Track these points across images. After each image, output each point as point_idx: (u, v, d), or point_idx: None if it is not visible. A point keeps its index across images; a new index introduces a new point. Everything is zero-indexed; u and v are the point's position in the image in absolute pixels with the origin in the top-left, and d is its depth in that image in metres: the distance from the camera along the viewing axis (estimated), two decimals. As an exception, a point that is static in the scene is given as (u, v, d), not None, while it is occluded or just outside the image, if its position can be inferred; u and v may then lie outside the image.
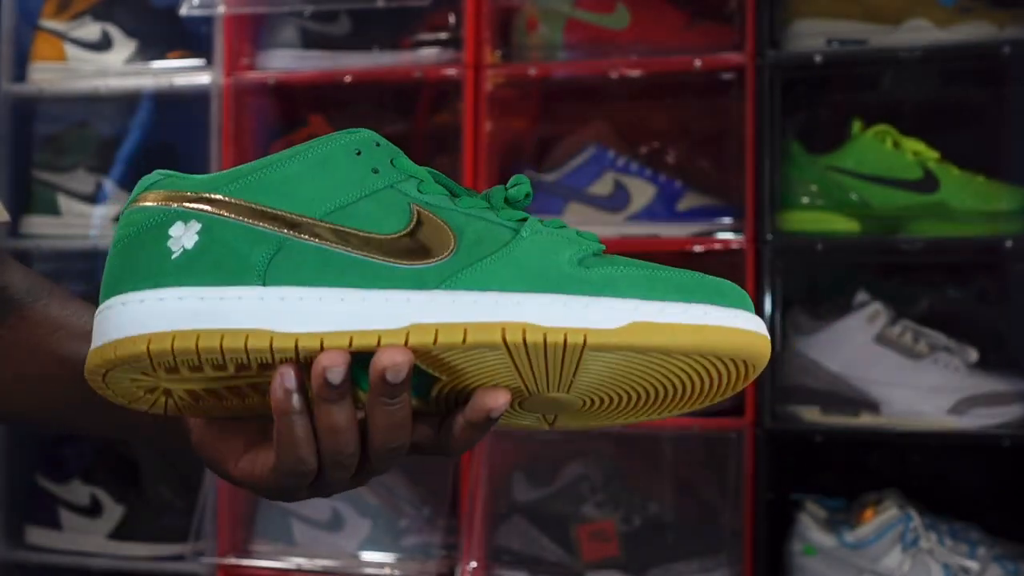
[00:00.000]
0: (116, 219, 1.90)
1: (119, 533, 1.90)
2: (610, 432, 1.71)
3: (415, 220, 0.62)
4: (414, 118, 1.96)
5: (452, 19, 1.79)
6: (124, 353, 0.59)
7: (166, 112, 2.00)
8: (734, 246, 1.65)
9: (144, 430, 0.70)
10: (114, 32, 1.95)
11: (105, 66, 1.93)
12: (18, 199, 1.98)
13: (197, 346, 0.59)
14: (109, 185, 1.96)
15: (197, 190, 0.63)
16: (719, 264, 1.74)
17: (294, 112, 1.95)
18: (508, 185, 0.65)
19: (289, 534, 1.81)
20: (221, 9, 1.83)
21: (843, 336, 1.64)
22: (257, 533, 1.82)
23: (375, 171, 0.63)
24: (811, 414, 1.63)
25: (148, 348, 0.59)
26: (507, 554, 1.72)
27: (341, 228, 0.61)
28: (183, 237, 0.61)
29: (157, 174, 0.65)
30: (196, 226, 0.61)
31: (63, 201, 1.97)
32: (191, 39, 1.93)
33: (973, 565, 1.54)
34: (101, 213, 1.95)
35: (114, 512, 1.91)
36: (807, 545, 1.59)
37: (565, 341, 0.57)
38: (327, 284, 0.60)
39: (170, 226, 0.62)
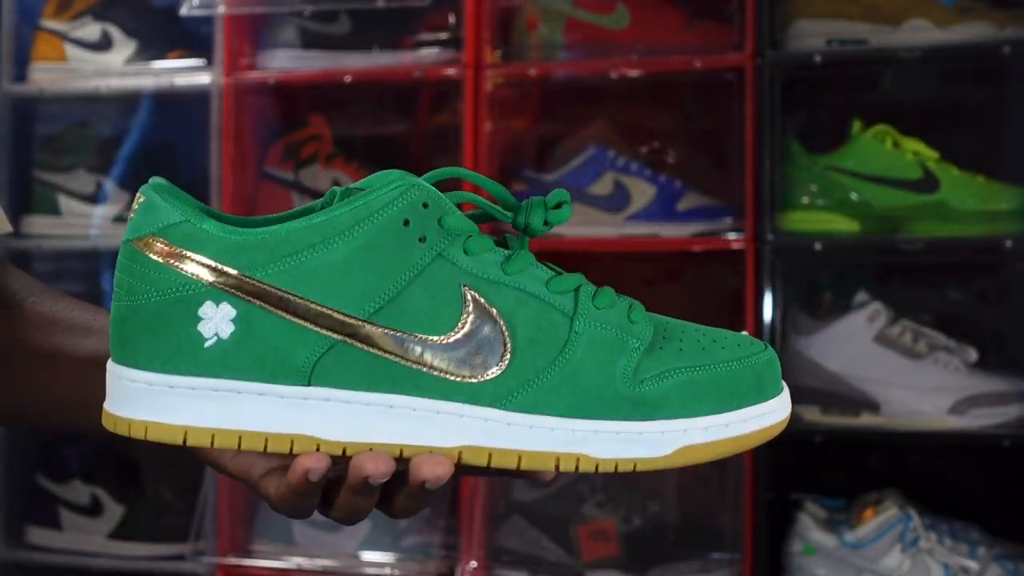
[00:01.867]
0: (117, 219, 1.91)
1: (119, 533, 1.90)
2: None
3: (467, 313, 0.59)
4: (414, 118, 1.96)
5: (452, 19, 1.79)
6: (158, 437, 0.58)
7: (166, 112, 2.00)
8: (734, 246, 1.65)
9: None
10: (114, 32, 1.95)
11: (105, 66, 1.93)
12: (18, 199, 1.98)
13: (239, 445, 0.58)
14: (109, 185, 1.96)
15: (227, 263, 0.58)
16: (719, 264, 1.74)
17: (294, 112, 1.95)
18: (550, 203, 0.62)
19: (289, 534, 1.81)
20: (221, 9, 1.83)
21: (843, 336, 1.64)
22: (257, 533, 1.82)
23: (422, 239, 0.59)
24: (811, 414, 1.63)
25: (185, 439, 0.58)
26: (507, 554, 1.72)
27: (392, 332, 0.58)
28: (216, 321, 0.58)
29: (171, 207, 0.59)
30: (230, 311, 0.58)
31: (63, 201, 1.97)
32: (191, 39, 1.93)
33: (973, 565, 1.54)
34: (101, 213, 1.95)
35: (114, 512, 1.91)
36: (807, 545, 1.59)
37: (616, 468, 0.60)
38: (376, 390, 0.58)
39: (199, 304, 0.58)
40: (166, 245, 0.58)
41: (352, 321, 0.58)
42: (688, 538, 1.70)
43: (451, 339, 0.59)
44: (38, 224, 1.97)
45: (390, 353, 0.58)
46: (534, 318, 0.60)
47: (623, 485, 1.75)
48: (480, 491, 1.72)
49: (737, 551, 1.63)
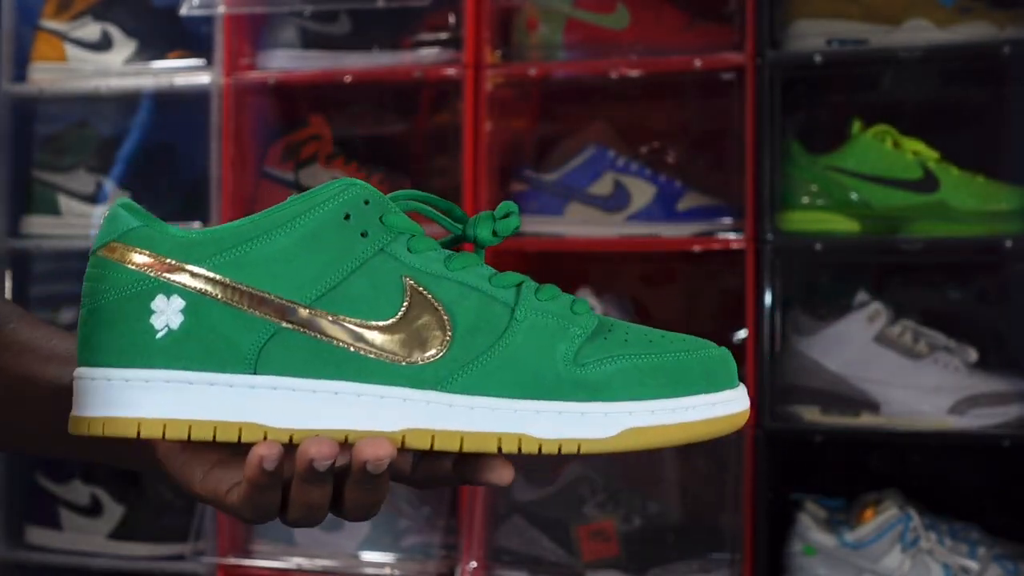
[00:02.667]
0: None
1: (119, 533, 1.90)
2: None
3: (408, 302, 0.60)
4: (414, 118, 1.96)
5: (452, 19, 1.79)
6: (113, 432, 0.59)
7: (166, 112, 2.00)
8: (734, 246, 1.65)
9: (108, 452, 0.69)
10: (114, 32, 1.95)
11: (105, 66, 1.93)
12: (18, 199, 1.98)
13: (189, 435, 0.59)
14: (109, 185, 1.96)
15: (177, 257, 0.60)
16: (719, 264, 1.74)
17: (294, 112, 1.95)
18: (498, 214, 0.64)
19: (289, 534, 1.81)
20: (221, 9, 1.83)
21: (843, 336, 1.64)
22: (257, 533, 1.82)
23: (364, 234, 0.61)
24: (811, 414, 1.63)
25: (139, 431, 0.59)
26: (507, 554, 1.72)
27: (334, 318, 0.60)
28: (167, 313, 0.60)
29: (133, 216, 0.62)
30: (180, 303, 0.60)
31: (63, 201, 1.97)
32: (191, 39, 1.93)
33: (973, 565, 1.54)
34: (101, 213, 1.95)
35: (114, 512, 1.91)
36: (807, 545, 1.59)
37: (559, 451, 0.60)
38: (321, 376, 0.59)
39: (151, 298, 0.60)
40: (125, 247, 0.60)
41: (294, 306, 0.59)
42: (688, 538, 1.70)
43: (391, 323, 0.60)
44: (38, 224, 1.97)
45: (333, 338, 0.59)
46: (475, 308, 0.61)
47: (623, 485, 1.75)
48: (480, 491, 1.72)
49: (737, 551, 1.63)
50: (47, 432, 0.70)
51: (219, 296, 0.60)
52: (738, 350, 1.67)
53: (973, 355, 1.62)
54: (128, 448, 0.66)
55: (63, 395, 0.64)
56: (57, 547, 1.92)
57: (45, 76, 1.95)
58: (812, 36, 1.66)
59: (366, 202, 0.61)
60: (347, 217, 0.61)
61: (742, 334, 1.65)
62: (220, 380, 0.59)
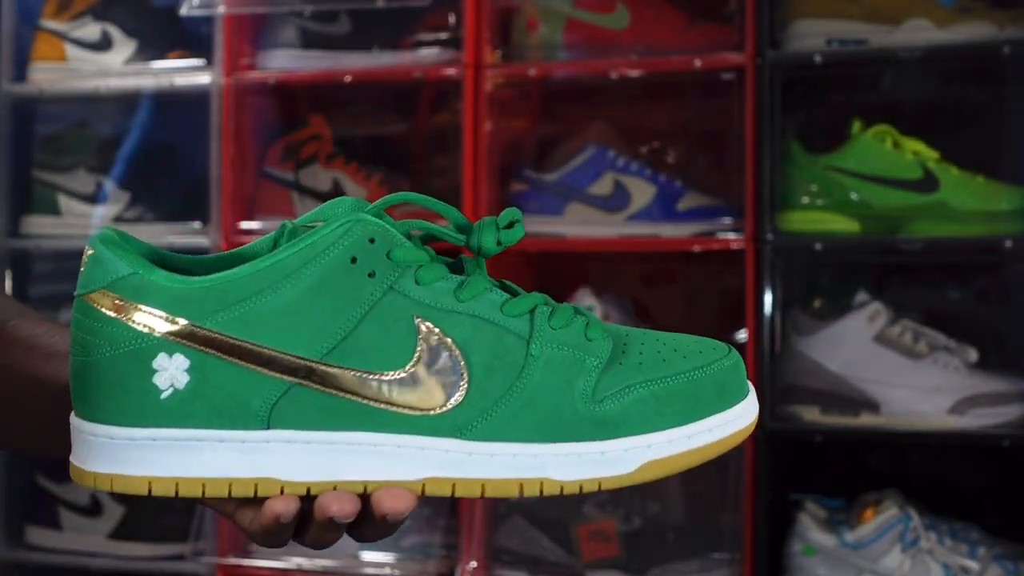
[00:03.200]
0: (117, 220, 1.91)
1: (119, 533, 1.90)
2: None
3: (421, 346, 0.59)
4: (414, 118, 1.96)
5: (452, 19, 1.79)
6: (123, 489, 0.59)
7: (166, 112, 2.00)
8: (734, 246, 1.65)
9: None
10: (114, 32, 1.95)
11: (105, 66, 1.93)
12: (18, 199, 1.98)
13: (203, 492, 0.58)
14: (109, 185, 1.96)
15: (177, 313, 0.58)
16: (719, 264, 1.74)
17: (294, 112, 1.95)
18: (502, 222, 0.62)
19: (289, 534, 1.81)
20: (221, 9, 1.83)
21: (843, 336, 1.64)
22: (257, 533, 1.82)
23: (371, 275, 0.59)
24: (811, 414, 1.63)
25: (149, 489, 0.58)
26: (507, 554, 1.72)
27: (347, 371, 0.58)
28: (170, 372, 0.58)
29: (120, 260, 0.59)
30: (183, 362, 0.58)
31: (63, 201, 1.97)
32: (191, 39, 1.93)
33: (973, 565, 1.54)
34: (101, 213, 1.95)
35: (114, 512, 1.91)
36: (807, 545, 1.59)
37: (580, 490, 0.60)
38: (336, 429, 0.58)
39: (152, 357, 0.58)
40: (116, 299, 0.58)
41: (305, 363, 0.58)
42: (688, 538, 1.70)
43: (406, 373, 0.59)
44: (38, 224, 1.97)
45: (347, 392, 0.58)
46: (489, 344, 0.59)
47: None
48: (480, 491, 1.72)
49: (737, 551, 1.63)
50: (47, 433, 0.69)
51: (226, 355, 0.58)
52: (738, 350, 1.67)
53: (973, 355, 1.62)
54: None
55: (64, 394, 0.64)
56: (57, 547, 1.92)
57: (45, 76, 1.95)
58: (812, 36, 1.66)
59: (371, 240, 0.59)
60: (354, 260, 0.58)
61: (742, 334, 1.65)
62: (231, 437, 0.58)
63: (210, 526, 1.80)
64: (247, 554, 1.80)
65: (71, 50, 1.95)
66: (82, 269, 0.60)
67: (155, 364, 0.58)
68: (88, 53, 1.95)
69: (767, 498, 1.62)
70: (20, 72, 1.97)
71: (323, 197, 1.84)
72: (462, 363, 0.59)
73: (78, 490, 1.93)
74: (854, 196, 1.63)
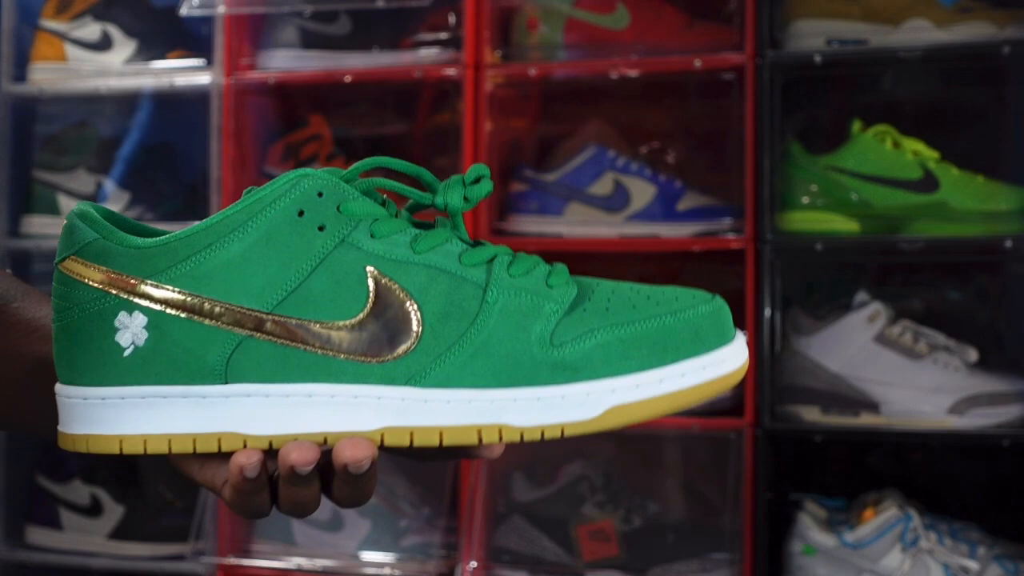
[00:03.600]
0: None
1: (119, 533, 1.90)
2: (610, 432, 1.71)
3: (373, 296, 0.59)
4: (414, 118, 1.96)
5: (452, 19, 1.79)
6: (97, 449, 0.60)
7: (166, 112, 2.00)
8: (734, 246, 1.65)
9: None
10: (114, 32, 1.95)
11: (105, 66, 1.93)
12: (18, 199, 1.98)
13: (169, 448, 0.59)
14: (109, 185, 1.96)
15: (134, 272, 0.59)
16: (719, 264, 1.74)
17: (294, 112, 1.95)
18: (468, 178, 0.62)
19: (289, 534, 1.81)
20: (221, 9, 1.83)
21: (843, 336, 1.64)
22: (257, 533, 1.82)
23: (321, 228, 0.59)
24: (811, 414, 1.63)
25: (120, 447, 0.60)
26: (507, 554, 1.72)
27: (297, 323, 0.58)
28: (131, 331, 0.59)
29: (88, 227, 0.60)
30: (142, 319, 0.59)
31: (63, 201, 1.97)
32: (191, 39, 1.93)
33: (973, 565, 1.54)
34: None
35: (114, 512, 1.91)
36: (807, 545, 1.59)
37: (542, 436, 0.58)
38: (293, 380, 0.58)
39: (114, 315, 0.59)
40: (82, 264, 0.60)
41: (256, 315, 0.58)
42: (688, 538, 1.70)
43: (357, 321, 0.59)
44: (38, 224, 1.97)
45: (299, 342, 0.58)
46: (444, 293, 0.59)
47: (623, 485, 1.75)
48: (480, 491, 1.72)
49: (737, 551, 1.63)
50: (51, 413, 0.69)
51: (179, 311, 0.59)
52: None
53: (973, 355, 1.62)
54: None
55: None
56: (57, 547, 1.92)
57: (45, 76, 1.95)
58: (812, 36, 1.66)
59: (319, 194, 0.60)
60: (301, 213, 0.59)
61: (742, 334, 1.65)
62: (193, 392, 0.59)
63: (210, 526, 1.80)
64: (247, 554, 1.81)
65: (71, 50, 1.95)
66: (59, 241, 0.62)
67: (117, 323, 0.59)
68: (88, 53, 1.95)
69: (767, 498, 1.62)
70: (20, 72, 1.97)
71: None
72: (416, 312, 0.59)
73: (78, 490, 1.93)
74: (854, 196, 1.63)
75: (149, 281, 0.59)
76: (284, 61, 1.84)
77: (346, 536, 1.79)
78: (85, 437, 0.60)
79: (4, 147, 1.96)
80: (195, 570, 1.82)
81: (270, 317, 0.58)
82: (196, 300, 0.59)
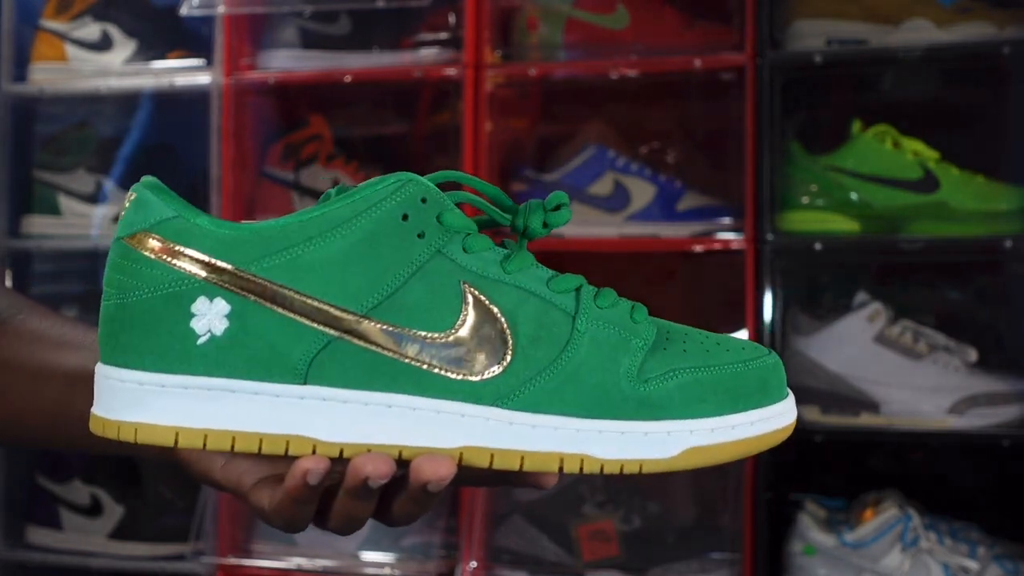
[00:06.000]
0: (117, 219, 1.90)
1: (119, 533, 1.90)
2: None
3: (467, 310, 0.57)
4: (414, 118, 1.96)
5: (452, 19, 1.79)
6: (148, 439, 0.57)
7: (166, 112, 2.00)
8: (734, 246, 1.65)
9: (122, 445, 0.68)
10: (114, 32, 1.95)
11: (105, 66, 1.93)
12: (18, 199, 1.98)
13: (232, 446, 0.56)
14: (109, 185, 1.96)
15: (221, 256, 0.56)
16: (719, 264, 1.74)
17: (294, 112, 1.95)
18: (549, 205, 0.61)
19: (289, 534, 1.81)
20: (221, 9, 1.83)
21: (843, 336, 1.64)
22: (257, 533, 1.82)
23: (421, 235, 0.57)
24: (811, 414, 1.63)
25: (176, 440, 0.56)
26: (507, 554, 1.72)
27: (391, 328, 0.56)
28: (209, 317, 0.56)
29: (164, 203, 0.57)
30: (224, 307, 0.56)
31: (63, 201, 1.97)
32: (191, 39, 1.93)
33: (973, 565, 1.54)
34: (101, 213, 1.95)
35: (114, 512, 1.91)
36: (807, 545, 1.59)
37: (621, 470, 0.58)
38: (374, 388, 0.56)
39: (192, 300, 0.56)
40: (159, 241, 0.57)
41: (349, 317, 0.56)
42: (688, 538, 1.70)
43: (451, 336, 0.57)
44: (38, 224, 1.97)
45: (388, 350, 0.56)
46: (535, 316, 0.58)
47: (623, 485, 1.75)
48: (480, 491, 1.72)
49: (737, 551, 1.63)
50: (60, 423, 0.68)
51: (268, 302, 0.56)
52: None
53: (973, 355, 1.62)
54: None
55: (77, 383, 0.63)
56: (57, 547, 1.92)
57: (45, 76, 1.95)
58: (812, 36, 1.66)
59: (423, 200, 0.58)
60: (405, 217, 0.57)
61: (742, 334, 1.65)
62: (266, 390, 0.56)
63: (210, 526, 1.80)
64: (247, 554, 1.81)
65: (71, 50, 1.95)
66: (123, 213, 0.58)
67: (194, 308, 0.56)
68: (88, 53, 1.95)
69: (767, 498, 1.62)
70: (20, 72, 1.97)
71: (323, 197, 1.84)
72: (507, 331, 0.58)
73: (78, 490, 1.93)
74: (854, 196, 1.63)
75: (239, 268, 0.56)
76: (284, 61, 1.84)
77: (346, 536, 1.79)
78: (134, 425, 0.56)
79: (4, 147, 1.96)
80: (195, 570, 1.82)
81: (364, 320, 0.56)
82: (289, 294, 0.56)
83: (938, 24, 1.63)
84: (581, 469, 0.58)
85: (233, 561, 1.79)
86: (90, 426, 0.58)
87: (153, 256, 0.57)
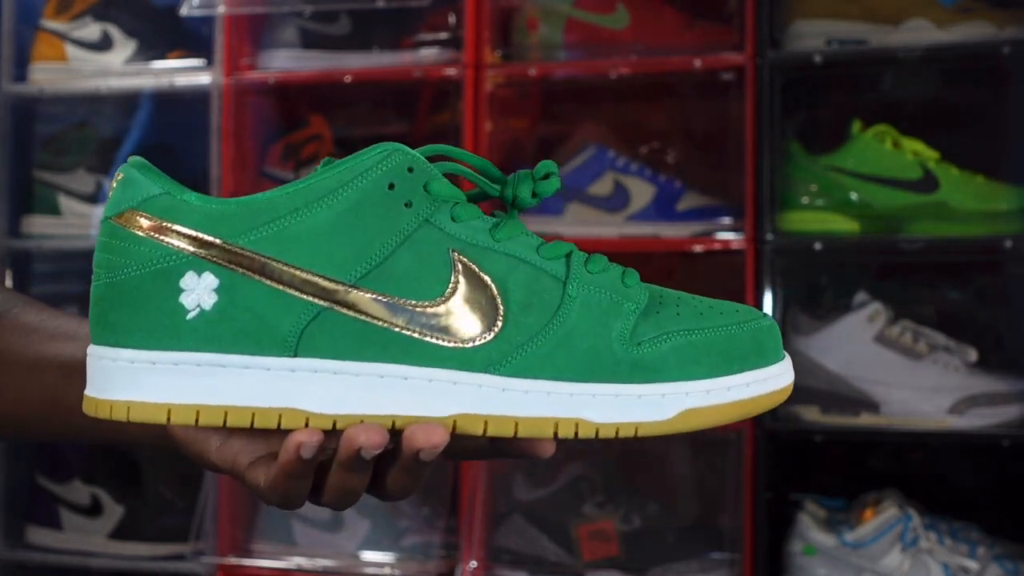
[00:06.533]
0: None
1: (119, 533, 1.90)
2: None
3: (457, 278, 0.57)
4: (414, 118, 1.96)
5: (452, 19, 1.79)
6: (140, 417, 0.56)
7: (166, 112, 2.00)
8: (734, 246, 1.65)
9: (114, 429, 0.67)
10: (114, 32, 1.95)
11: (105, 66, 1.93)
12: (18, 199, 1.98)
13: (225, 421, 0.56)
14: (109, 185, 1.96)
15: (208, 231, 0.56)
16: (719, 264, 1.74)
17: (294, 112, 1.95)
18: (537, 174, 0.61)
19: (289, 534, 1.81)
20: (221, 9, 1.83)
21: (843, 336, 1.64)
22: (257, 533, 1.82)
23: (408, 204, 0.57)
24: (811, 414, 1.63)
25: (168, 417, 0.56)
26: (507, 554, 1.72)
27: (380, 298, 0.56)
28: (198, 292, 0.56)
29: (151, 181, 0.58)
30: (212, 281, 0.56)
31: (63, 201, 1.97)
32: (191, 39, 1.93)
33: (973, 565, 1.54)
34: (101, 213, 1.95)
35: (114, 512, 1.91)
36: (807, 545, 1.59)
37: (617, 434, 0.58)
38: (365, 359, 0.56)
39: (180, 275, 0.56)
40: (146, 218, 0.57)
41: (338, 287, 0.56)
42: (688, 538, 1.70)
43: (441, 304, 0.57)
44: (38, 224, 1.97)
45: (378, 319, 0.56)
46: (526, 283, 0.58)
47: (623, 485, 1.75)
48: (480, 491, 1.72)
49: (737, 551, 1.63)
50: (47, 410, 0.68)
51: (256, 274, 0.56)
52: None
53: (973, 355, 1.62)
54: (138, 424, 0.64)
55: (72, 373, 0.63)
56: (57, 547, 1.92)
57: (45, 76, 1.95)
58: (812, 36, 1.66)
59: (410, 169, 0.58)
60: (391, 187, 0.57)
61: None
62: (256, 363, 0.56)
63: (210, 526, 1.80)
64: (247, 554, 1.81)
65: (71, 50, 1.95)
66: (111, 193, 0.58)
67: (183, 283, 0.56)
68: (88, 53, 1.95)
69: (767, 498, 1.62)
70: (20, 72, 1.97)
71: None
72: (498, 298, 0.58)
73: (78, 490, 1.93)
74: (854, 196, 1.63)
75: (227, 241, 0.56)
76: (284, 61, 1.84)
77: (346, 536, 1.79)
78: (126, 404, 0.56)
79: (4, 147, 1.96)
80: (195, 570, 1.82)
81: (352, 290, 0.56)
82: (277, 265, 0.56)
83: (938, 24, 1.63)
84: (576, 434, 0.57)
85: (233, 561, 1.79)
86: (83, 407, 0.58)
87: (141, 233, 0.57)
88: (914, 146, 1.64)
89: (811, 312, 1.69)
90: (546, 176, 0.61)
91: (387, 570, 1.75)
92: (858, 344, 1.64)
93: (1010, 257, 1.69)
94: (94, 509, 1.92)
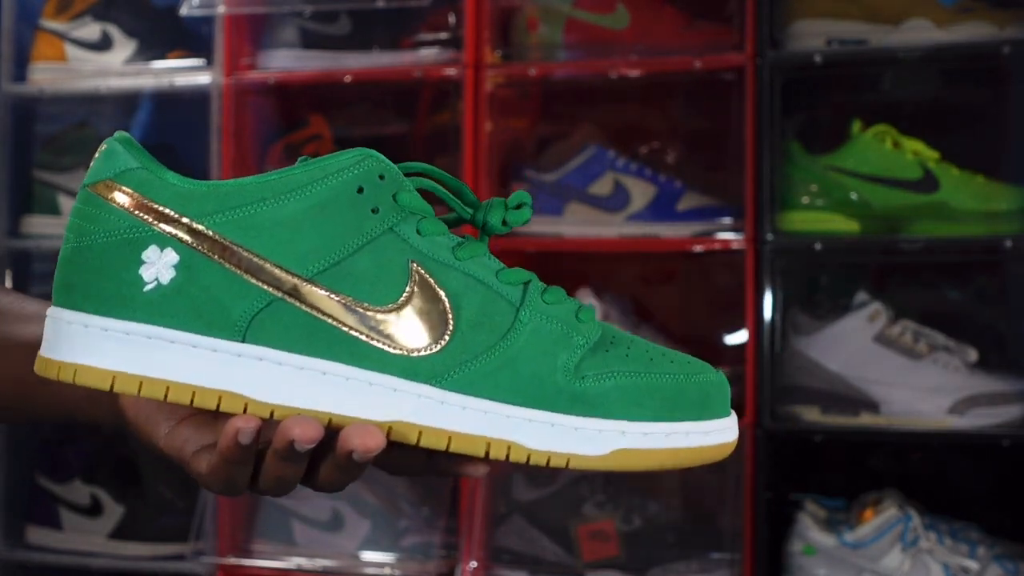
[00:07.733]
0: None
1: (119, 533, 1.90)
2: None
3: (412, 287, 0.58)
4: (414, 118, 1.96)
5: (452, 19, 1.79)
6: (85, 381, 0.57)
7: (166, 112, 2.00)
8: (734, 246, 1.65)
9: (70, 405, 0.68)
10: (114, 32, 1.95)
11: (105, 66, 1.93)
12: (18, 199, 1.98)
13: (166, 395, 0.57)
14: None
15: (176, 208, 0.58)
16: (719, 264, 1.74)
17: (294, 112, 1.95)
18: (511, 203, 0.62)
19: (289, 534, 1.81)
20: (221, 9, 1.83)
21: (843, 336, 1.64)
22: (257, 533, 1.82)
23: (375, 211, 0.59)
24: (811, 414, 1.63)
25: (112, 384, 0.57)
26: (507, 554, 1.72)
27: (334, 296, 0.57)
28: (158, 266, 0.57)
29: (130, 155, 0.59)
30: (173, 257, 0.57)
31: (63, 201, 1.97)
32: (191, 39, 1.93)
33: (973, 565, 1.54)
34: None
35: (114, 512, 1.91)
36: (807, 545, 1.59)
37: (548, 463, 0.58)
38: (311, 354, 0.57)
39: (143, 247, 0.57)
40: (120, 190, 0.58)
41: (294, 279, 0.57)
42: (688, 538, 1.70)
43: (393, 311, 0.58)
44: (38, 224, 1.97)
45: (329, 316, 0.57)
46: (479, 303, 0.59)
47: (623, 485, 1.75)
48: (480, 491, 1.72)
49: (737, 551, 1.63)
50: (13, 389, 0.68)
51: (216, 256, 0.57)
52: (737, 351, 1.68)
53: (973, 355, 1.62)
54: (91, 401, 0.65)
55: (35, 351, 0.63)
56: (57, 547, 1.92)
57: (45, 76, 1.95)
58: (812, 36, 1.66)
59: (381, 176, 0.59)
60: (360, 191, 0.58)
61: (742, 334, 1.65)
62: (204, 343, 0.57)
63: (210, 526, 1.80)
64: (247, 554, 1.81)
65: (71, 50, 1.95)
66: (92, 164, 0.60)
67: (144, 256, 0.57)
68: (88, 53, 1.95)
69: (767, 498, 1.62)
70: (20, 72, 1.97)
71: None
72: (449, 313, 0.58)
73: (78, 490, 1.93)
74: (854, 196, 1.63)
75: (191, 219, 0.57)
76: (284, 61, 1.84)
77: (346, 536, 1.79)
78: (73, 366, 0.57)
79: (4, 147, 1.96)
80: (195, 570, 1.82)
81: (307, 284, 0.57)
82: (238, 250, 0.57)
83: (938, 24, 1.63)
84: (508, 456, 0.58)
85: (233, 561, 1.79)
86: (35, 366, 0.59)
87: (113, 204, 0.58)
88: (914, 146, 1.64)
89: (811, 312, 1.69)
90: (519, 206, 0.62)
91: (387, 570, 1.75)
92: (858, 344, 1.64)
93: (1010, 257, 1.69)
94: (94, 509, 1.92)
